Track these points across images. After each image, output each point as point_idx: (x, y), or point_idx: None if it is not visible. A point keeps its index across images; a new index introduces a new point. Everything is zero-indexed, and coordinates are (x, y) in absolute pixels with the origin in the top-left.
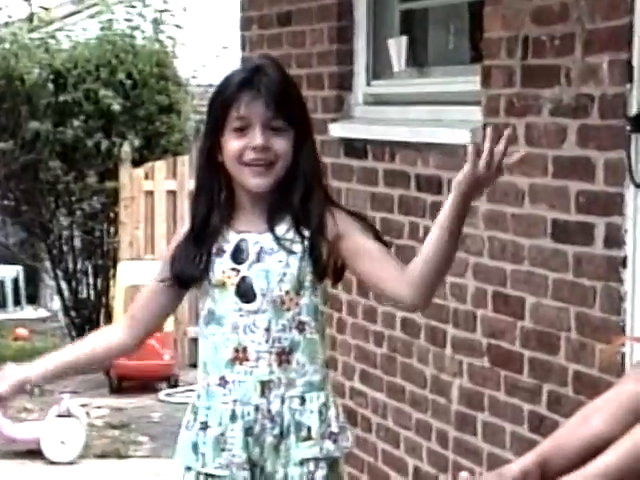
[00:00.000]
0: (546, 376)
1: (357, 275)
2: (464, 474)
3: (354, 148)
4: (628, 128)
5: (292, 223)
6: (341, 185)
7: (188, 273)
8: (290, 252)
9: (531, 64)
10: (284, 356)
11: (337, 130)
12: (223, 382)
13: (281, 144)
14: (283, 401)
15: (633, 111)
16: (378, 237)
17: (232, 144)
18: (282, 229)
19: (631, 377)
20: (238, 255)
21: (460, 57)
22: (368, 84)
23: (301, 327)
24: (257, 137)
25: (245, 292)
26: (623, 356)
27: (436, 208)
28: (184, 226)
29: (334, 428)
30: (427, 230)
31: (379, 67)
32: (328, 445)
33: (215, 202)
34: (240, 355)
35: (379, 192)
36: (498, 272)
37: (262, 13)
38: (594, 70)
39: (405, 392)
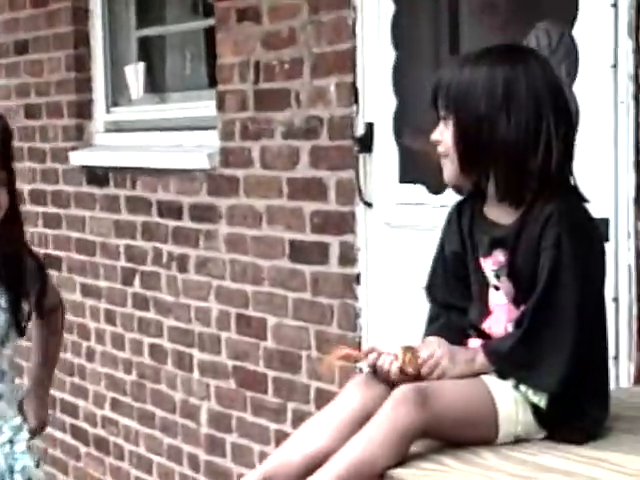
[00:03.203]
0: (290, 395)
1: None
2: None
3: (95, 176)
4: (356, 148)
5: None
6: (85, 213)
7: None
8: None
9: (263, 88)
10: None
11: (78, 158)
12: None
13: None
14: None
15: (359, 132)
16: None
17: None
18: None
19: (351, 389)
20: None
21: (197, 83)
22: (108, 111)
23: (2, 377)
24: None
25: None
26: (361, 370)
27: (178, 233)
28: None
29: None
30: (171, 255)
31: (118, 94)
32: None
33: None
34: None
35: (122, 219)
36: (240, 294)
37: None
38: (322, 93)
39: (155, 418)
